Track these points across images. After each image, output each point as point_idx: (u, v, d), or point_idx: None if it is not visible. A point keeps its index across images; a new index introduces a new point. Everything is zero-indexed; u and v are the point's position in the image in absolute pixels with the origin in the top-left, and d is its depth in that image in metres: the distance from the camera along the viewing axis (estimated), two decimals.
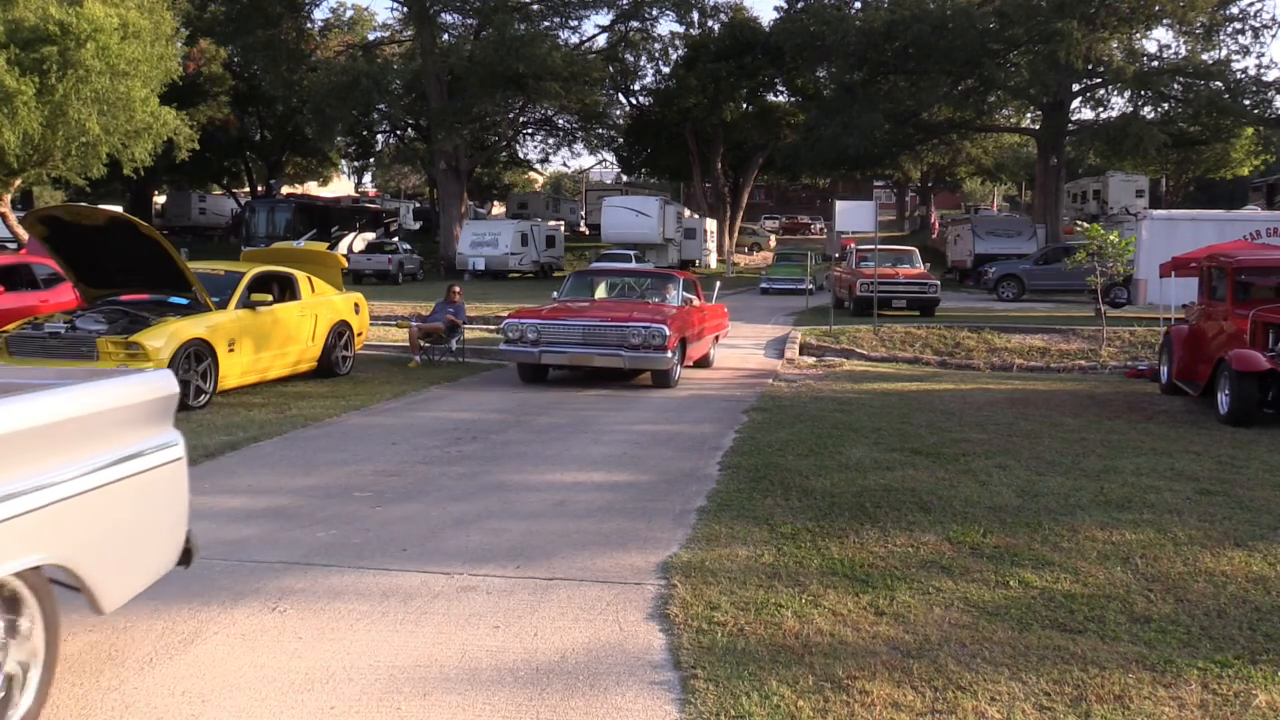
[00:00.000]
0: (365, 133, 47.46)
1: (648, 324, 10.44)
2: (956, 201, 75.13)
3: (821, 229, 61.27)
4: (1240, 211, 28.43)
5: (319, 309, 11.22)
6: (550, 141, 47.77)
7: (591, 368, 11.03)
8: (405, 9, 40.65)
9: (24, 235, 20.61)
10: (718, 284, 23.38)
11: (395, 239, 39.01)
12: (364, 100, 36.28)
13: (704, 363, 13.02)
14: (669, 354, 10.40)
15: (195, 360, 9.08)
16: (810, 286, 28.33)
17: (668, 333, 10.35)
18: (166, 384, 3.64)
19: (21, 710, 2.99)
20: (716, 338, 13.63)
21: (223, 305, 9.76)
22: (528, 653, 3.74)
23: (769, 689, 3.41)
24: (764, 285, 30.91)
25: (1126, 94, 33.51)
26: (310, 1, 41.09)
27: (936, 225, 56.03)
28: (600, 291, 13.01)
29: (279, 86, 38.45)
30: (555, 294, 12.77)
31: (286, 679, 3.50)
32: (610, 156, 52.58)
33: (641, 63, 43.77)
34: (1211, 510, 5.82)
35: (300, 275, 11.23)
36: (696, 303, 12.38)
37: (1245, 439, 8.38)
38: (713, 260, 43.33)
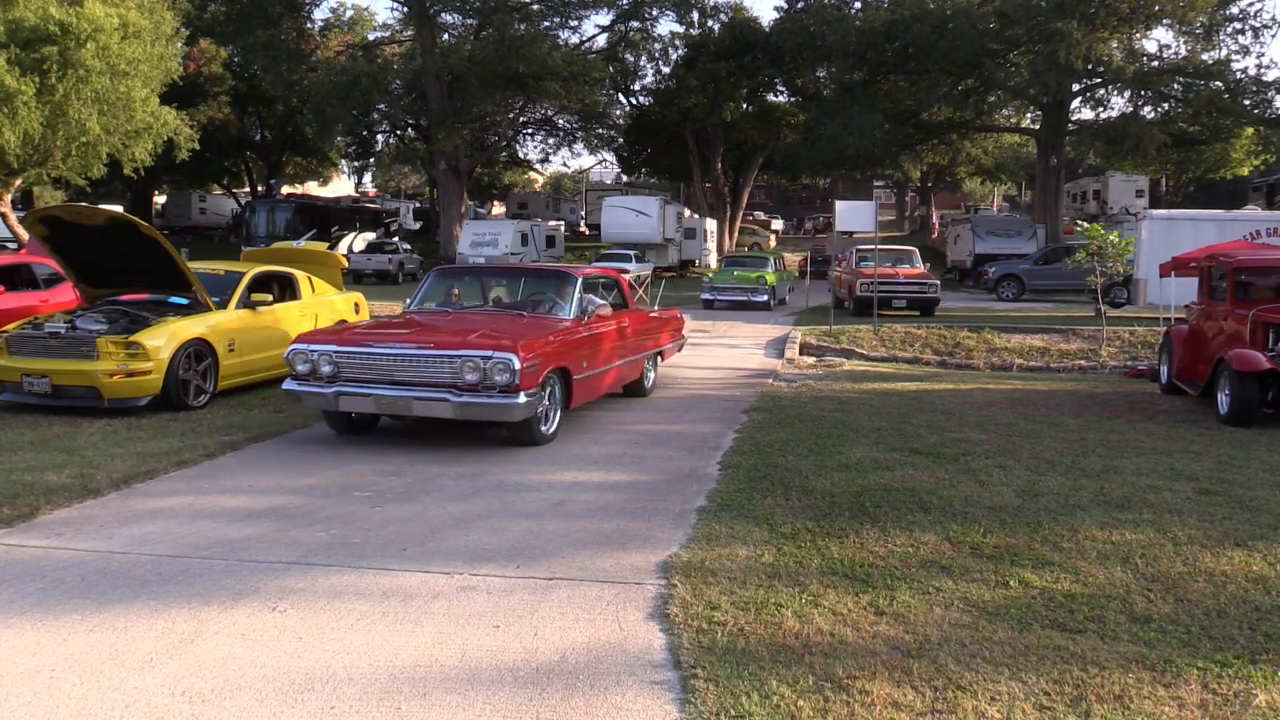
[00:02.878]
0: (365, 133, 47.48)
1: (488, 352, 6.99)
2: (956, 201, 75.12)
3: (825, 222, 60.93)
4: (1240, 211, 28.42)
5: (319, 309, 11.22)
6: (550, 141, 47.86)
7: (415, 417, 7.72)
8: (405, 9, 40.65)
9: (24, 235, 20.62)
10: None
11: (395, 239, 39.04)
12: (364, 100, 36.31)
13: (636, 390, 10.11)
14: (521, 398, 7.00)
15: (195, 360, 9.08)
16: (769, 299, 23.54)
17: (517, 365, 6.91)
18: None
19: None
20: (660, 354, 10.71)
21: (223, 305, 9.76)
22: (528, 652, 3.74)
23: (769, 689, 3.41)
24: (706, 296, 24.13)
25: (1126, 94, 33.57)
26: (310, 1, 41.12)
27: (937, 225, 56.03)
28: (483, 298, 9.65)
29: (279, 86, 38.46)
30: (407, 301, 9.50)
31: (286, 679, 3.50)
32: (610, 156, 52.63)
33: (641, 63, 43.85)
34: (1211, 510, 5.82)
35: (300, 275, 11.23)
36: (606, 313, 8.63)
37: (1245, 439, 8.38)
38: (712, 260, 43.36)
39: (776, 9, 39.12)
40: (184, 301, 9.61)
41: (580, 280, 8.82)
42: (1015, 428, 8.71)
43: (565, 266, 9.71)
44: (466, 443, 7.69)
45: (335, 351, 7.40)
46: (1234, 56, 32.30)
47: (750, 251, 35.08)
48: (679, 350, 11.62)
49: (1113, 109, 36.25)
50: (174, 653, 3.72)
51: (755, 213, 68.43)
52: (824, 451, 7.36)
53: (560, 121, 44.56)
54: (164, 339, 8.77)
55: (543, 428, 7.59)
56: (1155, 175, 46.64)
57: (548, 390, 7.54)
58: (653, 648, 3.80)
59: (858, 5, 36.17)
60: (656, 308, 12.12)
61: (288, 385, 7.58)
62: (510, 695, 3.39)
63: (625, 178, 64.62)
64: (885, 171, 51.73)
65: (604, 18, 43.85)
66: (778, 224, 68.37)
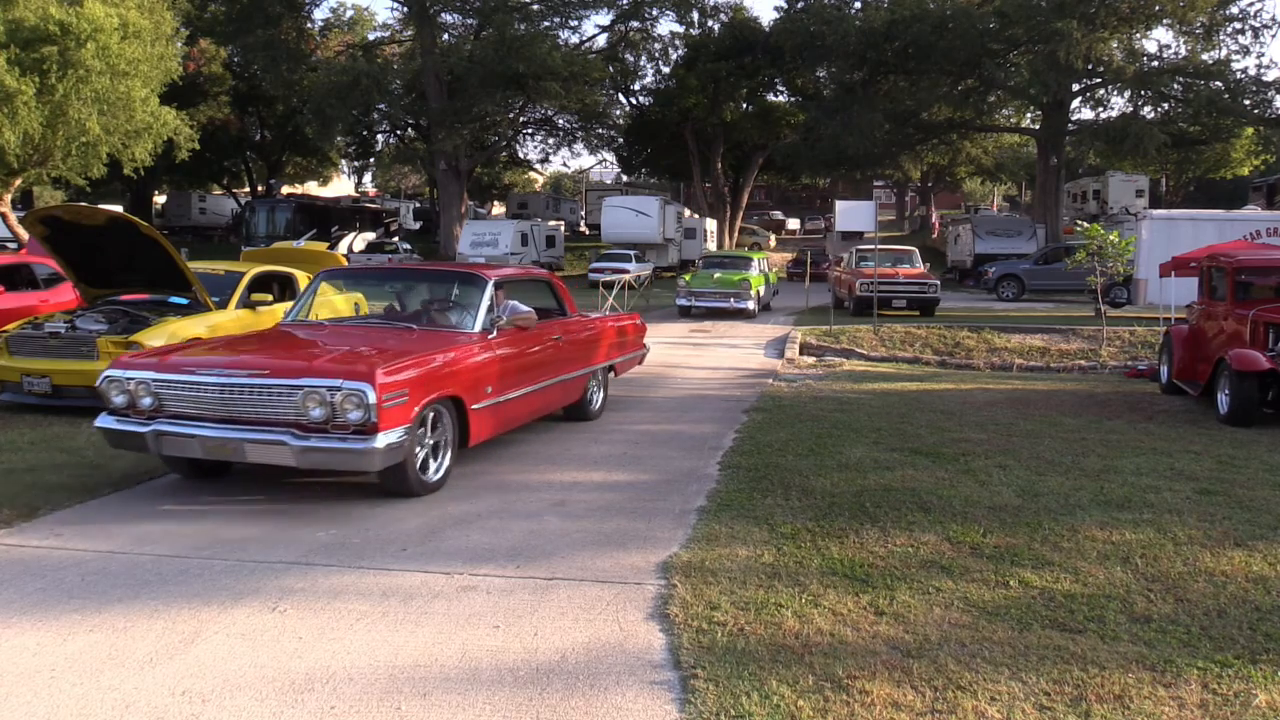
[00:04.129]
0: (365, 133, 47.49)
1: (334, 380, 5.44)
2: (956, 201, 75.14)
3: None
4: (1240, 211, 28.45)
5: (319, 309, 11.20)
6: (550, 141, 47.93)
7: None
8: (405, 9, 40.69)
9: (24, 235, 20.61)
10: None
11: (395, 239, 39.08)
12: (364, 100, 36.31)
13: (578, 413, 8.61)
14: (379, 440, 5.43)
15: None
16: (753, 306, 21.19)
17: (372, 397, 5.36)
18: None
19: None
20: (612, 369, 9.21)
21: (223, 305, 9.76)
22: (528, 652, 3.74)
23: (769, 689, 3.41)
24: (681, 301, 21.67)
25: (1126, 94, 33.59)
26: (310, 1, 41.15)
27: (937, 225, 56.02)
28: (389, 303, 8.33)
29: (279, 86, 38.47)
30: (285, 312, 8.26)
31: (286, 679, 3.50)
32: (610, 156, 52.64)
33: (641, 63, 43.88)
34: (1211, 510, 5.82)
35: (300, 275, 11.21)
36: (530, 323, 7.17)
37: (1245, 439, 8.38)
38: None
39: (776, 9, 39.23)
40: (184, 301, 9.61)
41: (491, 284, 7.13)
42: (1015, 428, 8.71)
43: (474, 267, 7.76)
44: None
45: (154, 379, 5.79)
46: (1234, 56, 32.39)
47: (738, 251, 32.47)
48: (639, 363, 10.03)
49: (1113, 109, 36.27)
50: (174, 653, 3.72)
51: (772, 211, 68.04)
52: (824, 451, 7.36)
53: (560, 121, 44.58)
54: (164, 339, 8.76)
55: (424, 475, 5.97)
56: (1155, 175, 46.65)
57: (429, 427, 6.01)
58: (653, 648, 3.80)
59: (858, 5, 36.19)
60: (610, 312, 10.34)
61: (100, 422, 5.96)
62: (510, 695, 3.39)
63: (625, 178, 64.60)
64: (885, 171, 51.76)
65: (604, 18, 43.96)
66: (793, 223, 67.30)
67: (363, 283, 9.96)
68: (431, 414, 6.02)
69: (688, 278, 22.53)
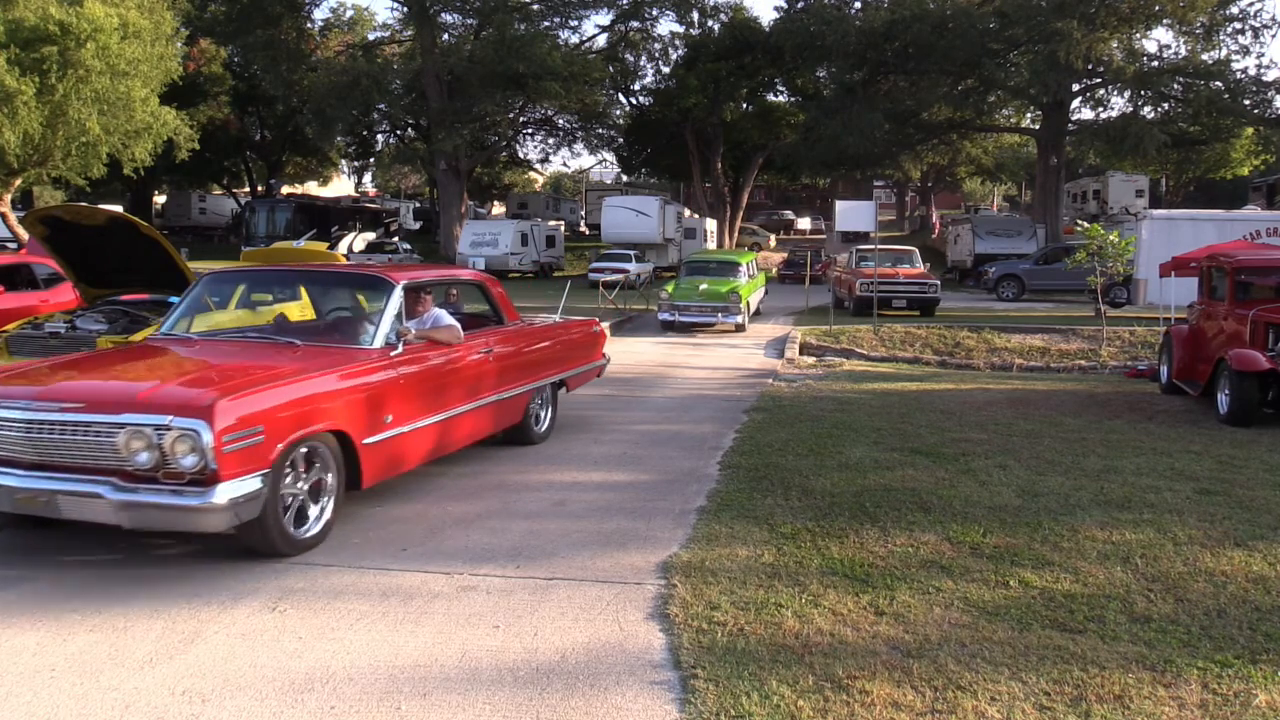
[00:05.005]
0: (365, 133, 47.52)
1: (162, 416, 4.34)
2: (956, 201, 75.14)
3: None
4: (1240, 211, 28.45)
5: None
6: (550, 141, 47.90)
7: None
8: (405, 9, 40.66)
9: (24, 235, 20.61)
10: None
11: (395, 239, 39.06)
12: (364, 100, 36.32)
13: (519, 436, 7.45)
14: (218, 494, 4.31)
15: None
16: (743, 320, 18.35)
17: (208, 438, 4.28)
18: None
19: None
20: (563, 384, 8.11)
21: (222, 305, 9.75)
22: (528, 652, 3.74)
23: (769, 689, 3.41)
24: (664, 316, 18.55)
25: (1126, 94, 33.57)
26: (310, 1, 41.14)
27: (937, 225, 56.03)
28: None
29: (279, 86, 38.49)
30: (160, 323, 6.69)
31: (286, 679, 3.50)
32: (610, 156, 52.61)
33: (641, 63, 43.85)
34: (1211, 510, 5.82)
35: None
36: (452, 337, 6.23)
37: (1245, 439, 8.38)
38: None
39: (776, 9, 39.18)
40: None
41: (398, 289, 5.95)
42: (1015, 428, 8.71)
43: (380, 269, 6.65)
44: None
45: None
46: (1234, 56, 32.34)
47: (725, 253, 27.91)
48: (599, 375, 8.91)
49: (1113, 109, 36.23)
50: (174, 653, 3.72)
51: (785, 211, 67.52)
52: (824, 451, 7.36)
53: (560, 121, 44.59)
54: None
55: (296, 530, 4.84)
56: (1155, 175, 46.64)
57: (300, 469, 4.88)
58: (653, 648, 3.80)
59: (858, 5, 36.19)
60: (559, 318, 8.99)
61: None
62: (510, 695, 3.39)
63: (625, 178, 64.56)
64: (885, 171, 51.74)
65: (604, 18, 43.93)
66: (804, 223, 66.38)
67: (254, 285, 8.56)
68: (304, 452, 4.86)
69: (669, 288, 19.30)
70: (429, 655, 3.72)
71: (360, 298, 6.69)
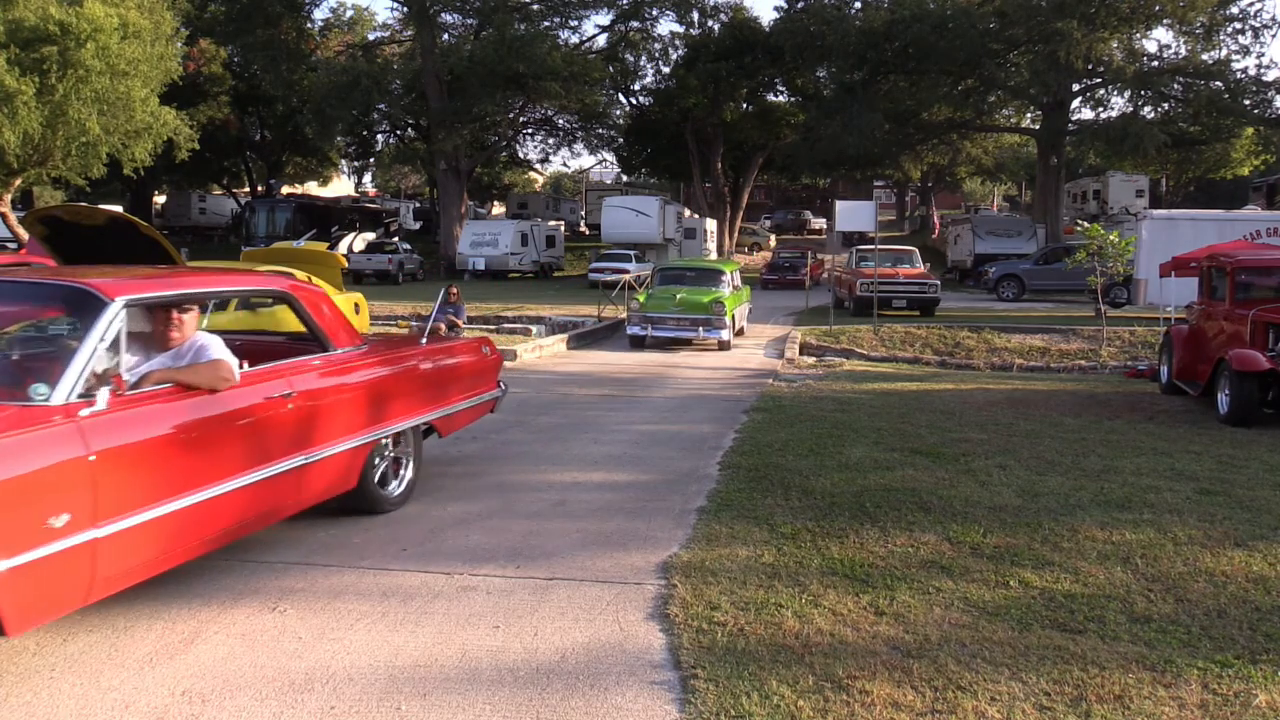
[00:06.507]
0: (365, 133, 47.49)
1: None
2: (956, 201, 75.14)
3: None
4: (1240, 211, 28.47)
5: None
6: (550, 141, 47.94)
7: None
8: (405, 9, 40.68)
9: (24, 235, 20.61)
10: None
11: (395, 239, 39.07)
12: (364, 100, 36.32)
13: (357, 501, 5.41)
14: None
15: None
16: (727, 336, 15.91)
17: None
18: None
19: None
20: (432, 430, 6.11)
21: (222, 305, 9.75)
22: (528, 653, 3.74)
23: (769, 689, 3.41)
24: (634, 330, 16.33)
25: (1126, 94, 33.57)
26: (310, 1, 41.15)
27: (937, 225, 56.03)
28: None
29: (279, 86, 38.49)
30: None
31: (286, 679, 3.50)
32: (610, 156, 52.65)
33: (641, 63, 43.84)
34: (1211, 510, 5.82)
35: (300, 275, 11.22)
36: (226, 373, 4.20)
37: (1245, 439, 8.38)
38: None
39: (776, 9, 39.20)
40: None
41: (112, 309, 3.81)
42: (1015, 428, 8.71)
43: (87, 278, 4.03)
44: (467, 443, 7.68)
45: None
46: (1234, 56, 32.35)
47: (706, 261, 25.34)
48: (490, 409, 6.80)
49: (1113, 109, 36.23)
50: (174, 653, 3.72)
51: (803, 211, 67.18)
52: (824, 451, 7.36)
53: (560, 121, 44.60)
54: None
55: None
56: (1155, 175, 46.64)
57: None
58: (653, 648, 3.80)
59: (858, 5, 36.18)
60: (425, 339, 6.32)
61: None
62: (510, 695, 3.39)
63: (625, 178, 64.57)
64: (885, 171, 51.73)
65: (604, 18, 43.90)
66: (819, 223, 65.18)
67: None
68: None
69: (641, 297, 16.92)
70: (429, 655, 3.71)
71: (46, 322, 4.54)
